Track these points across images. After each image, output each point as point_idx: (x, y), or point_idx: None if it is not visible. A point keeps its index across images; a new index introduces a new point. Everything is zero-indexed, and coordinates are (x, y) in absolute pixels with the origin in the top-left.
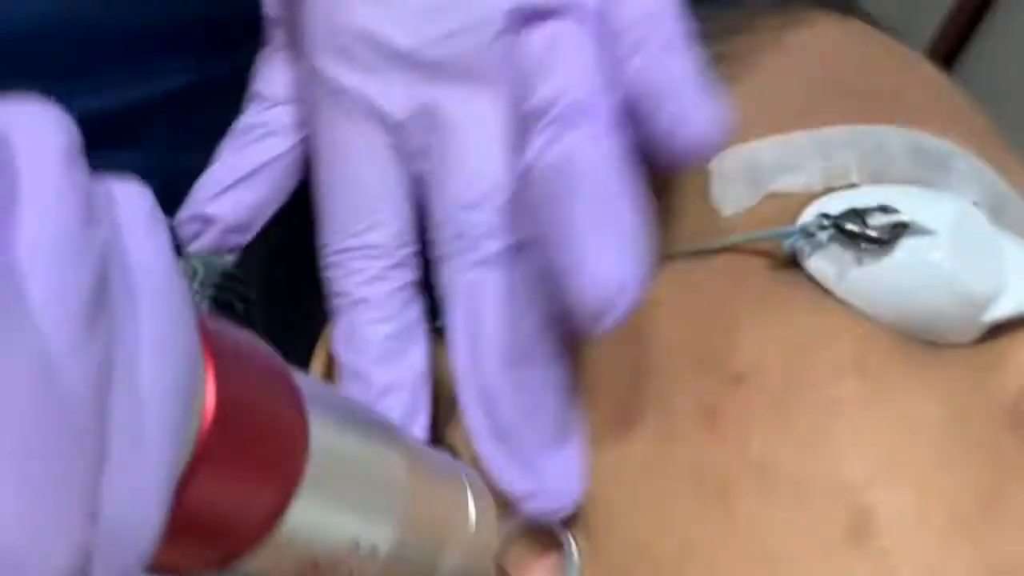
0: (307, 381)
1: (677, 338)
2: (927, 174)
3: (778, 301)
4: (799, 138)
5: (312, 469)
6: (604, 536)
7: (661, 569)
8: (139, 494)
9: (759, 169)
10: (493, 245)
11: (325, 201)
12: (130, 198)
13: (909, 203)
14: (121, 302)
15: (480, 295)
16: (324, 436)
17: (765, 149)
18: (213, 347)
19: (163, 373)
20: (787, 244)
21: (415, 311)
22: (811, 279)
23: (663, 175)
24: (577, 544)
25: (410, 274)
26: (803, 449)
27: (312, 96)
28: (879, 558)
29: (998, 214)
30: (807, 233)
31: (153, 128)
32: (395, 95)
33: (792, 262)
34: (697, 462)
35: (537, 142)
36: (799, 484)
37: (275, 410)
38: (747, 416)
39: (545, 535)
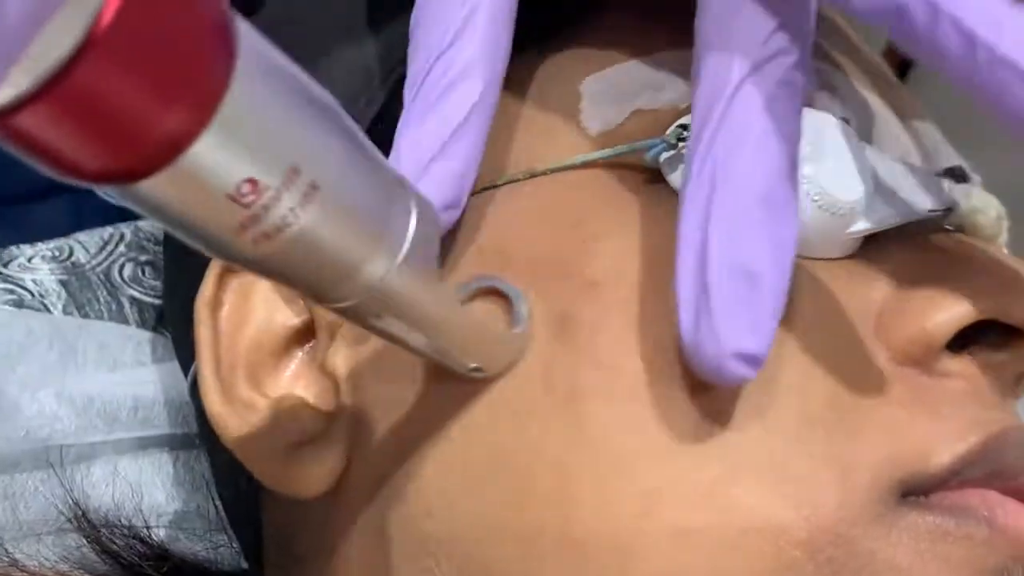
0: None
1: (535, 250)
2: None
3: (639, 213)
4: (666, 56)
5: (240, 89)
6: (463, 444)
7: (515, 475)
8: None
9: (626, 87)
10: None
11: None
12: None
13: None
14: None
15: None
16: (255, 64)
17: (633, 68)
18: None
19: None
20: (649, 157)
21: None
22: (676, 193)
23: (538, 95)
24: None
25: None
26: (653, 351)
27: None
28: (725, 455)
29: (870, 132)
30: (668, 145)
31: None
32: None
33: (658, 177)
34: (547, 369)
35: None
36: (646, 384)
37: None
38: (600, 323)
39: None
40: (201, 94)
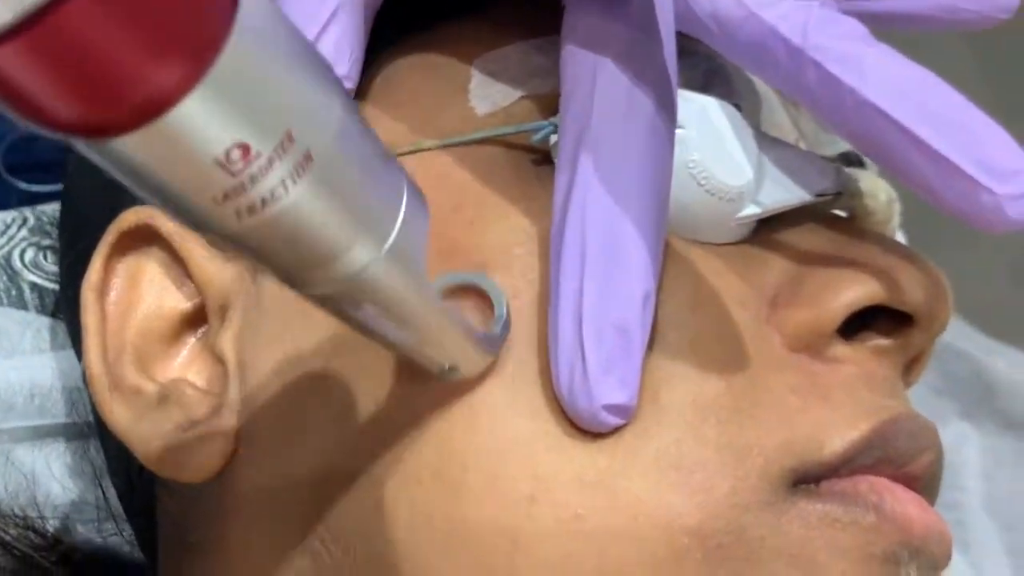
0: None
1: None
2: (686, 73)
3: (525, 194)
4: (557, 39)
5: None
6: (352, 427)
7: (405, 457)
8: None
9: (515, 70)
10: None
11: None
12: None
13: None
14: None
15: None
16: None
17: (524, 52)
18: None
19: None
20: (536, 139)
21: None
22: None
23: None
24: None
25: None
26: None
27: None
28: (618, 443)
29: (761, 117)
30: (555, 127)
31: None
32: None
33: (547, 159)
34: None
35: None
36: (539, 371)
37: None
38: None
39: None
40: (198, 46)
